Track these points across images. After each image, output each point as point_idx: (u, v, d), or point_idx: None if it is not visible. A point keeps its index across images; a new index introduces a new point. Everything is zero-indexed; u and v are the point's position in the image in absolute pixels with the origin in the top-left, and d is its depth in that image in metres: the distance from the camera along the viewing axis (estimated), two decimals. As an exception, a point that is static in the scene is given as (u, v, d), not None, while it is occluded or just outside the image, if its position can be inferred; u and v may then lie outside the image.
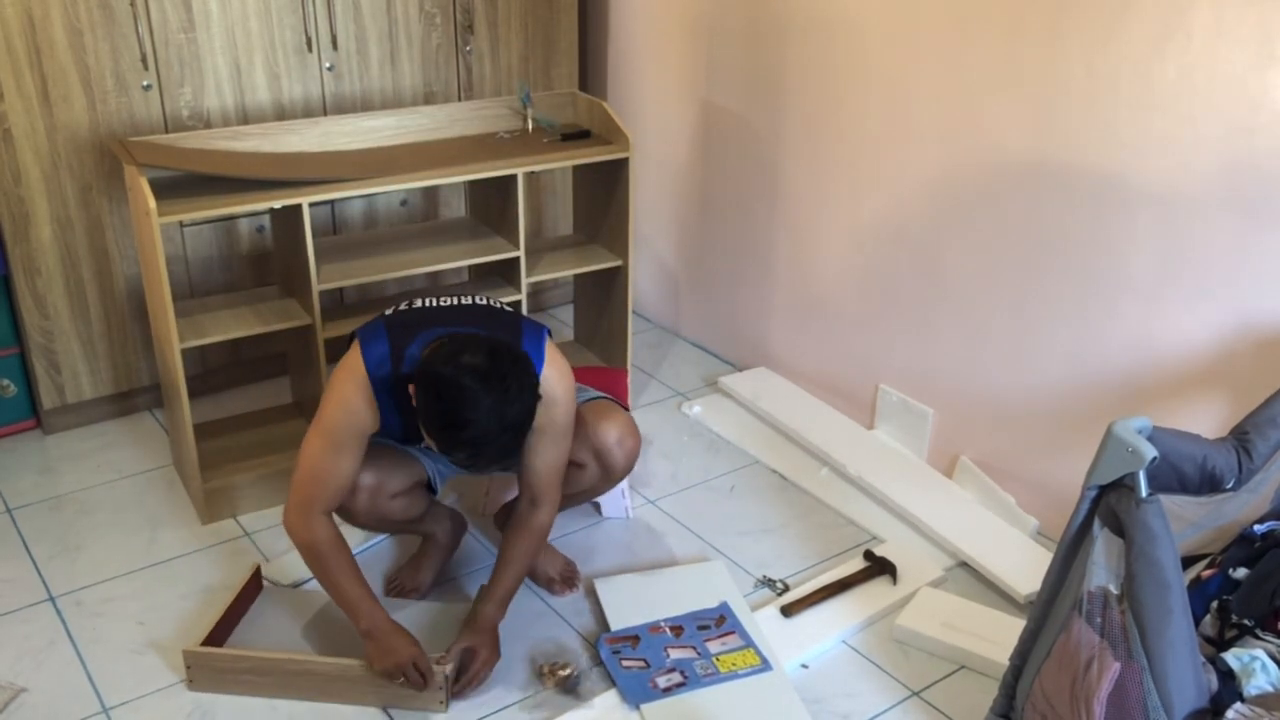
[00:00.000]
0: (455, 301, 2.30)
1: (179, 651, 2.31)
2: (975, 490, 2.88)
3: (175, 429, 2.85)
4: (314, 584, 2.56)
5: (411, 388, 2.07)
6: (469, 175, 2.85)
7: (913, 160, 2.85)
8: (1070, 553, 1.87)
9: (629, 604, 2.50)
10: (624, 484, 2.84)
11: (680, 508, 2.91)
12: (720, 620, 2.45)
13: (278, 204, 2.63)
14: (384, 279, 2.87)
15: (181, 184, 2.66)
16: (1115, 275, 2.47)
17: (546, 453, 2.27)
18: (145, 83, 2.94)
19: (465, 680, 2.24)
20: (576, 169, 3.29)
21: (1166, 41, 2.25)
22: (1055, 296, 2.60)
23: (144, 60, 2.92)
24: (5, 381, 3.11)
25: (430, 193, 3.53)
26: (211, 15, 2.98)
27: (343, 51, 3.21)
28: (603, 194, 3.19)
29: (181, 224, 3.11)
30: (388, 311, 2.27)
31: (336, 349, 2.84)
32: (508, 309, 2.32)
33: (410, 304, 2.29)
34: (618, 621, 2.44)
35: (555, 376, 2.20)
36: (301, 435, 2.94)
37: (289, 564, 2.61)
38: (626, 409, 2.47)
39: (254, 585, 2.48)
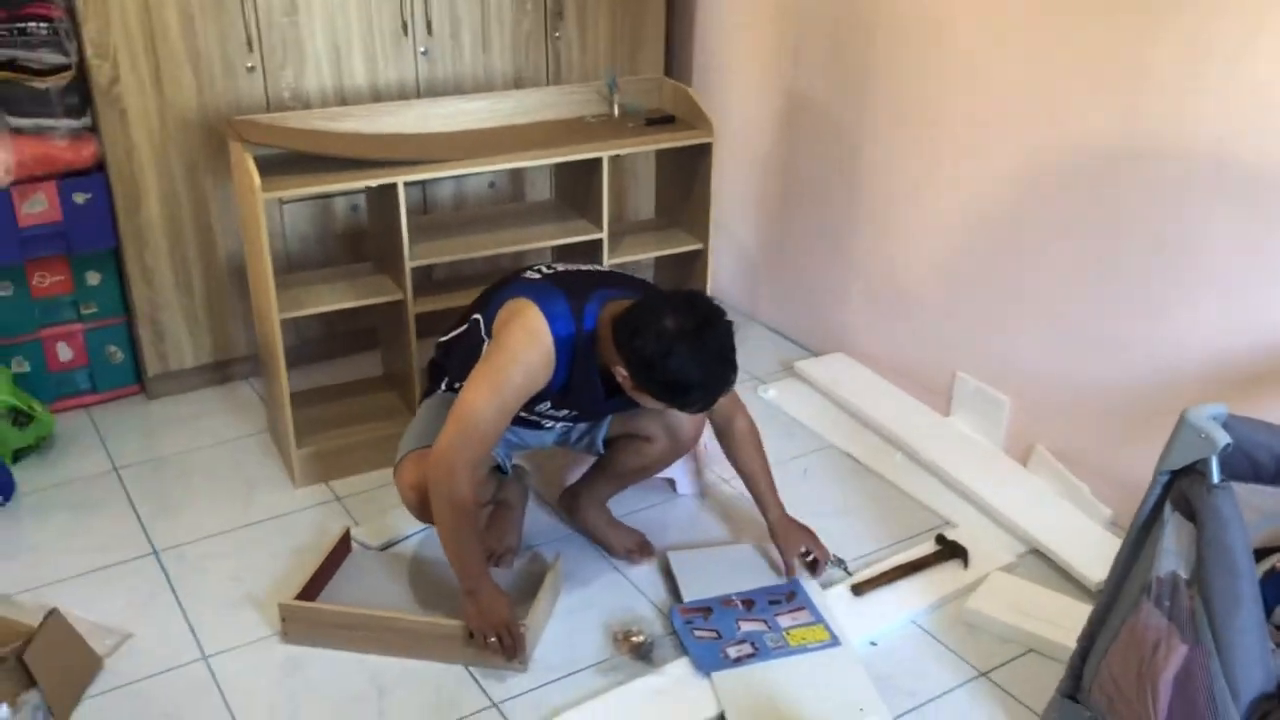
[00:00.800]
0: (588, 268, 2.39)
1: (273, 606, 2.43)
2: (1050, 479, 2.89)
3: (272, 396, 2.98)
4: (400, 547, 2.66)
5: (623, 373, 2.17)
6: (556, 158, 2.93)
7: (995, 149, 2.86)
8: (1140, 537, 1.89)
9: (701, 577, 2.56)
10: (697, 463, 2.90)
11: (754, 487, 2.95)
12: (790, 596, 2.50)
13: (375, 183, 2.74)
14: (472, 257, 2.96)
15: (282, 163, 2.77)
16: (1197, 266, 2.46)
17: None
18: (249, 65, 3.07)
19: (810, 561, 2.57)
20: (660, 154, 3.35)
21: (1259, 32, 2.23)
22: (1136, 287, 2.60)
23: (249, 43, 3.05)
24: (113, 348, 3.27)
25: (517, 175, 3.62)
26: (313, 1, 3.09)
27: (437, 36, 3.31)
28: (685, 179, 3.25)
29: (281, 201, 3.24)
30: (543, 273, 2.32)
31: (426, 324, 2.94)
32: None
33: (552, 268, 2.36)
34: (690, 593, 2.50)
35: None
36: (391, 407, 3.07)
37: (378, 527, 2.72)
38: None
39: (344, 547, 2.59)
